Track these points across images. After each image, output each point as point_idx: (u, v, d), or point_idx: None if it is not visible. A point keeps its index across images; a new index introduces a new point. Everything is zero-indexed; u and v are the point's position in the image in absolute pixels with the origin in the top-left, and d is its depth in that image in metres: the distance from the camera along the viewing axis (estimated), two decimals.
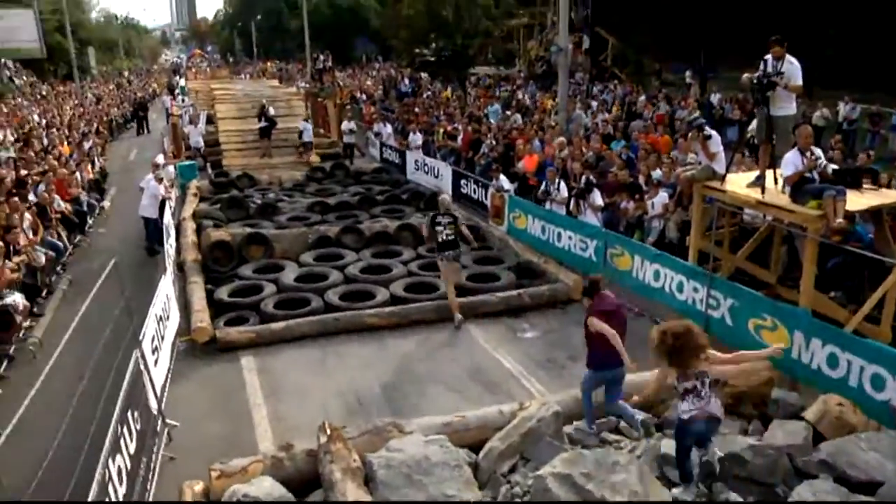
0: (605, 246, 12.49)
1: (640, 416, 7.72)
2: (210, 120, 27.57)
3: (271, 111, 24.41)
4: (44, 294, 13.10)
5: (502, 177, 16.82)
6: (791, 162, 9.37)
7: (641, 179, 14.70)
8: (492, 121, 25.19)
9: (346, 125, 25.67)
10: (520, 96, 32.12)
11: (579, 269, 12.80)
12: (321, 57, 32.06)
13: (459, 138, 22.83)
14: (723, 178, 10.38)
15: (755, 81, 9.56)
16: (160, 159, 17.89)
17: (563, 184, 14.89)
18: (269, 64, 71.75)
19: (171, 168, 19.25)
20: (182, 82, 42.70)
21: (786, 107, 9.65)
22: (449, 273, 11.96)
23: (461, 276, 12.54)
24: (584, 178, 14.58)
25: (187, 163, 22.18)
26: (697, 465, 6.71)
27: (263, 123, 23.86)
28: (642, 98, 27.50)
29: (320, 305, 11.80)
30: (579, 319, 8.33)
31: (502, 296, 12.13)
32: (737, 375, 8.09)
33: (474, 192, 18.36)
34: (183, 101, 32.89)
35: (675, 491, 6.56)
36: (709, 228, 10.82)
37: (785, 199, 9.46)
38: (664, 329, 6.36)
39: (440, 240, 11.92)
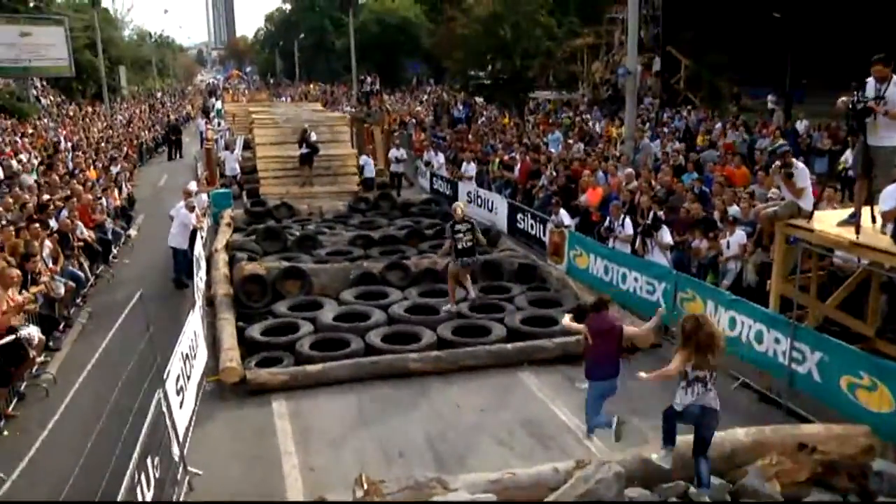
0: (674, 289, 12.19)
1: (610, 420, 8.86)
2: (247, 145, 27.59)
3: (313, 137, 24.52)
4: (62, 327, 13.15)
5: (562, 211, 16.64)
6: (892, 196, 9.12)
7: (716, 216, 14.40)
8: (552, 150, 24.99)
9: (393, 153, 25.65)
10: (583, 123, 32.05)
11: (646, 313, 12.48)
12: (368, 79, 32.32)
13: (517, 169, 22.64)
14: (810, 216, 10.14)
15: (850, 107, 9.30)
16: (192, 186, 18.02)
17: (628, 220, 14.73)
18: (311, 86, 72.51)
19: (203, 196, 19.37)
20: (218, 104, 43.26)
21: (890, 136, 9.34)
22: (458, 273, 13.51)
23: (468, 279, 13.75)
24: (651, 213, 14.36)
25: (222, 190, 22.17)
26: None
27: (304, 150, 24.00)
28: (718, 126, 27.12)
29: (361, 347, 11.75)
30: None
31: (559, 341, 11.93)
32: (826, 440, 7.89)
33: (532, 228, 18.17)
34: (219, 124, 33.30)
35: (654, 456, 7.63)
36: (792, 272, 10.54)
37: (886, 241, 9.21)
38: (702, 318, 7.49)
39: (459, 247, 13.49)
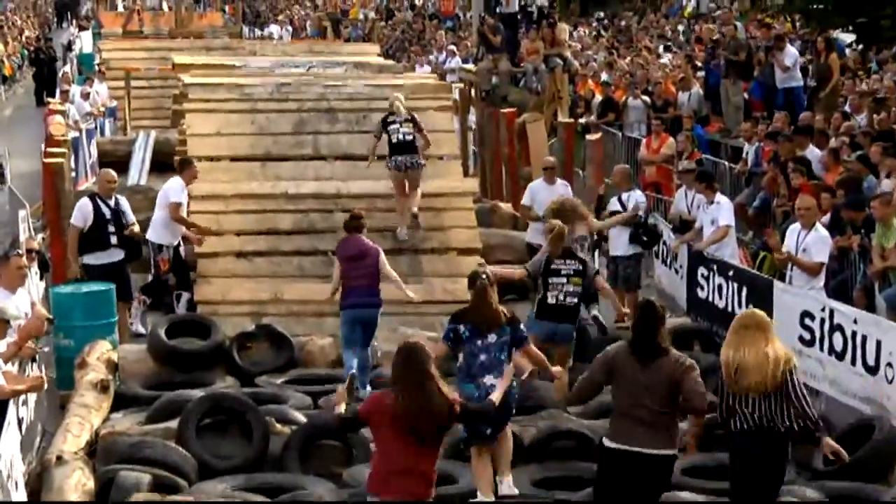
0: None
1: (355, 371, 12.93)
2: (160, 162, 21.17)
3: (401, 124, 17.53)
4: None
5: None
6: None
7: None
8: None
9: (540, 188, 17.82)
10: None
11: None
12: None
13: None
14: None
15: None
16: None
17: None
18: None
19: (23, 299, 13.66)
20: (84, 41, 38.06)
21: None
22: (401, 185, 16.85)
23: (418, 195, 16.95)
24: None
25: (86, 288, 16.44)
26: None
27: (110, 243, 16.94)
28: None
29: None
30: None
31: None
32: None
33: None
34: (86, 98, 27.15)
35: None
36: None
37: None
38: (556, 200, 15.49)
39: (394, 140, 16.59)
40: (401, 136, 16.59)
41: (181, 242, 17.89)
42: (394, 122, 16.63)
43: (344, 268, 12.69)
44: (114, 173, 18.50)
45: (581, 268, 13.39)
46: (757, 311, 10.00)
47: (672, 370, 9.59)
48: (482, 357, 10.06)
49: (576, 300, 13.39)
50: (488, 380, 10.06)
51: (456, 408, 8.71)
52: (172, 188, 17.84)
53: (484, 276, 10.53)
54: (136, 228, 17.50)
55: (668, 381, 9.39)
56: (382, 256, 12.98)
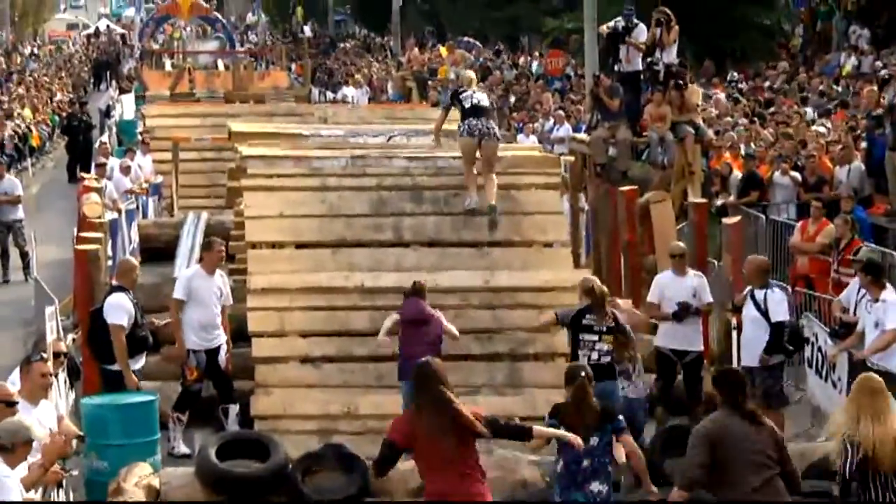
0: None
1: None
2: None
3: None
4: None
5: None
6: None
7: None
8: None
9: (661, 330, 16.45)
10: None
11: None
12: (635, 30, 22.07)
13: None
14: None
15: None
16: (13, 380, 13.40)
17: None
18: (445, 53, 50.00)
19: (51, 410, 13.44)
20: (125, 106, 36.40)
21: None
22: (471, 155, 16.71)
23: (493, 182, 16.95)
24: None
25: (126, 399, 15.97)
26: None
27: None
28: None
29: None
30: None
31: None
32: None
33: None
34: (127, 172, 25.91)
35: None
36: None
37: None
38: (584, 281, 14.03)
39: (467, 105, 16.69)
40: (475, 101, 16.98)
41: (222, 347, 17.05)
42: (465, 91, 17.23)
43: (404, 331, 13.50)
44: (135, 261, 18.07)
45: (615, 324, 13.86)
46: (873, 374, 10.27)
47: (773, 430, 10.24)
48: (585, 463, 10.20)
49: (609, 358, 13.79)
50: (595, 486, 10.27)
51: (479, 427, 9.50)
52: (179, 280, 17.37)
53: (583, 374, 10.47)
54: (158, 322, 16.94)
55: (774, 440, 9.84)
56: (445, 321, 13.73)
